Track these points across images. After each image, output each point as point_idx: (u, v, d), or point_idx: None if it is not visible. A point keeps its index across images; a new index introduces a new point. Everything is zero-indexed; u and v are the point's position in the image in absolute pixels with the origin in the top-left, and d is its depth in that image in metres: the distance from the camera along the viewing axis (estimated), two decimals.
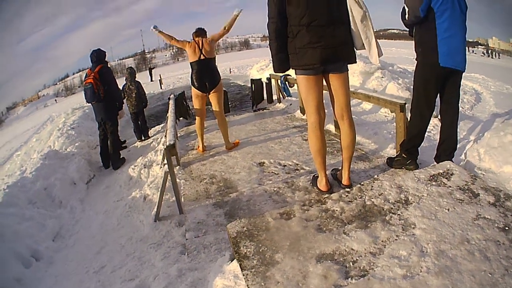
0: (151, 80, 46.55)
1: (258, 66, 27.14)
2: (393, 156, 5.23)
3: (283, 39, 4.26)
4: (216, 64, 7.51)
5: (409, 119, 5.18)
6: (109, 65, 10.50)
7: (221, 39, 7.83)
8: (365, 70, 12.94)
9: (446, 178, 4.03)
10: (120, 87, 10.71)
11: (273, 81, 13.23)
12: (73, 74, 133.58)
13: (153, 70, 51.20)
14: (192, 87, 7.51)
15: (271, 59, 4.46)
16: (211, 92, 7.47)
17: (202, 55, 7.24)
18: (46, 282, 5.18)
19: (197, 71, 7.32)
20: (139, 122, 12.05)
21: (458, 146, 5.00)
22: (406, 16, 4.80)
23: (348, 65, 4.32)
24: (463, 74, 4.80)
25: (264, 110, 12.39)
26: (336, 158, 6.14)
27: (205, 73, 7.31)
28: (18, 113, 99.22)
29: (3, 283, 4.83)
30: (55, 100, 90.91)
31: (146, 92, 12.86)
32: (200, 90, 7.41)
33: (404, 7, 4.80)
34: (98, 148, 10.46)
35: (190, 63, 7.39)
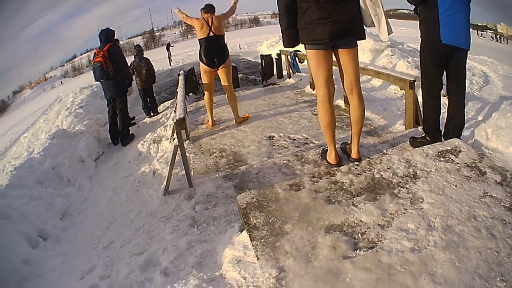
0: (170, 62, 39.11)
1: (268, 42, 27.16)
2: (417, 136, 5.23)
3: (293, 15, 4.28)
4: (225, 40, 7.50)
5: (421, 99, 5.19)
6: (119, 44, 10.56)
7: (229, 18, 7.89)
8: (375, 47, 12.95)
9: (454, 155, 4.05)
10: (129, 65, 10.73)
11: (283, 56, 13.28)
12: (81, 54, 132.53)
13: (171, 48, 43.52)
14: (201, 62, 7.54)
15: (281, 34, 4.49)
16: (219, 68, 7.50)
17: (211, 32, 7.26)
18: (54, 260, 5.23)
19: (205, 47, 7.34)
20: (148, 99, 12.13)
21: (466, 125, 5.02)
22: None
23: (358, 41, 4.33)
24: (472, 55, 4.82)
25: (274, 85, 12.41)
26: (345, 132, 6.18)
27: (214, 50, 7.34)
28: (25, 96, 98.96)
29: (10, 266, 4.85)
30: (61, 82, 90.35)
31: (155, 69, 12.94)
32: (208, 65, 7.45)
33: None
34: (107, 126, 10.49)
35: (199, 39, 7.40)
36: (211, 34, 7.27)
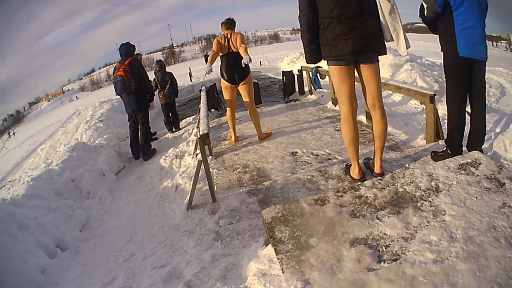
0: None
1: (289, 58, 27.03)
2: (437, 151, 5.26)
3: (315, 30, 4.32)
4: None
5: (445, 113, 5.22)
6: (141, 58, 10.70)
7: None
8: (394, 62, 12.90)
9: (474, 167, 4.08)
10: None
11: (304, 73, 13.23)
12: (99, 68, 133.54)
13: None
14: (222, 79, 7.56)
15: (303, 50, 4.53)
16: (240, 84, 7.51)
17: (230, 49, 7.28)
18: (72, 271, 5.25)
19: (226, 63, 7.38)
20: (171, 114, 12.10)
21: (485, 137, 5.06)
22: (425, 12, 4.90)
23: (379, 57, 4.37)
24: (487, 67, 4.86)
25: (296, 102, 12.43)
26: (368, 148, 6.20)
27: (235, 66, 7.32)
28: (41, 108, 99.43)
29: (25, 274, 4.87)
30: (76, 97, 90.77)
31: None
32: (229, 82, 7.48)
33: (422, 4, 4.89)
34: (127, 140, 10.52)
35: (220, 56, 7.42)
36: (231, 50, 7.29)
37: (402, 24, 4.17)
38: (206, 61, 7.27)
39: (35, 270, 5.04)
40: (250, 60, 6.92)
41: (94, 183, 8.22)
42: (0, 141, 11.53)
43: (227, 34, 7.37)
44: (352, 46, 4.09)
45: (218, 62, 7.50)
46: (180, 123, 12.56)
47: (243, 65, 7.03)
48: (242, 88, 7.60)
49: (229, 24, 7.50)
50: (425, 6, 4.84)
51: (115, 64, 9.68)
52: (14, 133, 60.67)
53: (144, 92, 9.63)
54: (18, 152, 25.91)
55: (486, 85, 5.03)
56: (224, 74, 7.47)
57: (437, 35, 5.02)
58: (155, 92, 11.06)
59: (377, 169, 4.58)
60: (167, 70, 12.17)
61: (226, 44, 7.32)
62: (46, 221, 6.11)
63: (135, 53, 9.89)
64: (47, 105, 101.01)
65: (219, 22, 7.53)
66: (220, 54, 7.41)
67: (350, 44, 4.09)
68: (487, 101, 5.42)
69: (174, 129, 12.08)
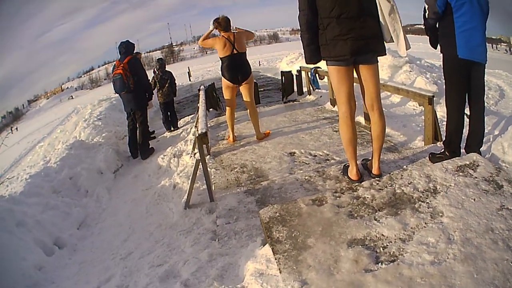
0: None
1: (288, 59, 26.99)
2: (436, 152, 5.26)
3: (314, 30, 4.32)
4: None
5: (445, 115, 5.23)
6: (141, 57, 10.70)
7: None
8: (393, 64, 12.88)
9: (472, 169, 4.09)
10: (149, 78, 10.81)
11: (303, 73, 13.21)
12: (98, 67, 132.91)
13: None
14: (223, 78, 7.56)
15: (303, 50, 4.53)
16: (242, 84, 7.53)
17: (234, 50, 7.27)
18: (70, 269, 5.26)
19: (229, 64, 7.36)
20: (169, 113, 12.08)
21: (483, 140, 5.07)
22: (427, 14, 4.91)
23: (378, 57, 4.37)
24: (487, 70, 4.87)
25: (294, 102, 12.40)
26: (366, 149, 6.18)
27: (238, 67, 7.36)
28: (40, 106, 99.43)
29: (23, 270, 4.87)
30: (71, 96, 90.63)
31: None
32: (232, 82, 7.48)
33: (424, 7, 4.90)
34: (126, 139, 10.50)
35: (222, 57, 7.40)
36: (235, 51, 7.29)
37: (402, 25, 4.16)
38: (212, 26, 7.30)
39: (32, 267, 5.03)
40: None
41: (92, 181, 8.24)
42: None
43: (228, 36, 7.33)
44: (351, 47, 4.09)
45: (216, 60, 7.50)
46: (178, 122, 12.53)
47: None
48: (243, 88, 7.61)
49: (226, 26, 7.46)
50: (426, 7, 4.85)
51: (115, 62, 9.67)
52: (16, 128, 60.70)
53: (143, 91, 9.63)
54: (17, 150, 25.93)
55: (486, 88, 5.04)
56: (227, 74, 7.44)
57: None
58: (153, 91, 11.05)
59: (375, 170, 4.58)
60: (166, 69, 12.12)
61: (228, 45, 7.29)
62: (44, 218, 6.12)
63: (135, 51, 9.87)
64: (46, 102, 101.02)
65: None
66: (222, 55, 7.39)
67: (349, 45, 4.09)
68: (486, 104, 5.43)
69: (172, 128, 12.04)
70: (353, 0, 4.03)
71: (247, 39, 7.64)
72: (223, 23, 7.41)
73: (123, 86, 9.13)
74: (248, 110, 7.85)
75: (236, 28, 7.65)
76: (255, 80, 8.91)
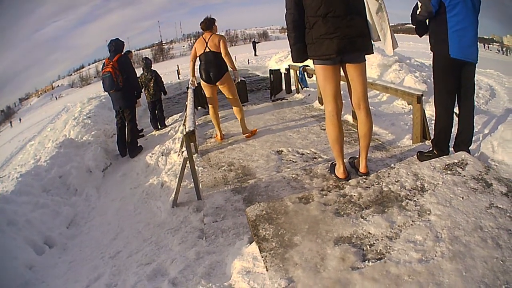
0: (255, 55, 49.57)
1: (277, 57, 26.99)
2: (424, 151, 5.25)
3: (301, 29, 4.31)
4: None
5: (434, 113, 5.22)
6: (132, 55, 10.69)
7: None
8: (383, 62, 12.92)
9: (461, 167, 4.09)
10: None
11: (291, 71, 13.26)
12: (89, 65, 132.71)
13: (257, 44, 53.10)
14: (200, 77, 7.64)
15: (290, 49, 4.51)
16: (218, 84, 7.55)
17: (207, 48, 7.33)
18: (60, 268, 5.24)
19: (202, 63, 7.46)
20: (156, 111, 12.10)
21: (473, 138, 5.06)
22: (418, 11, 4.88)
23: (366, 56, 4.35)
24: (479, 69, 4.88)
25: (283, 100, 12.46)
26: (353, 147, 6.20)
27: (210, 65, 7.39)
28: (31, 104, 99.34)
29: (13, 270, 4.87)
30: (55, 97, 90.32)
31: (164, 82, 12.90)
32: (206, 81, 7.54)
33: (417, 3, 4.88)
34: (115, 137, 10.46)
35: (198, 55, 7.51)
36: (207, 50, 7.35)
37: (391, 24, 4.16)
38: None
39: (23, 266, 5.04)
40: (237, 78, 7.40)
41: (81, 180, 8.23)
42: None
43: (205, 37, 7.43)
44: (338, 46, 4.07)
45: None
46: (166, 121, 12.58)
47: (236, 80, 7.26)
48: (221, 87, 7.65)
49: (206, 24, 7.51)
50: (419, 5, 4.83)
51: (104, 60, 9.64)
52: (20, 119, 60.67)
53: (131, 89, 9.61)
54: (8, 149, 25.89)
55: (476, 87, 5.04)
56: (202, 73, 7.53)
57: (426, 37, 5.02)
58: (141, 90, 11.04)
59: (362, 169, 4.56)
60: (152, 68, 12.13)
61: (203, 44, 7.39)
62: (34, 217, 6.11)
63: (126, 50, 9.85)
64: (37, 101, 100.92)
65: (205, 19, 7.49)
66: (197, 53, 7.49)
67: (335, 43, 4.07)
68: (476, 103, 5.44)
69: (159, 127, 12.09)
70: None
71: (222, 42, 7.50)
72: (204, 22, 7.50)
73: (112, 85, 9.10)
74: (233, 108, 7.93)
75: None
76: (243, 78, 8.88)
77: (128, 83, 9.34)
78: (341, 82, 4.41)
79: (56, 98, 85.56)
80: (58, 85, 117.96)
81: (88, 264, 5.13)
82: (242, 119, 7.85)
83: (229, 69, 7.59)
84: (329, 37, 4.07)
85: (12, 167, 10.45)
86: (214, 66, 7.38)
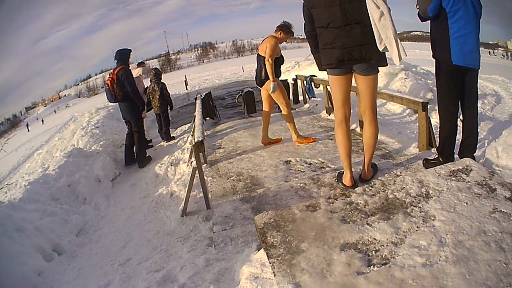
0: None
1: (284, 67, 26.87)
2: (429, 158, 5.28)
3: (316, 40, 4.43)
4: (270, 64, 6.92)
5: (438, 121, 5.25)
6: (144, 66, 10.78)
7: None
8: (389, 71, 12.84)
9: (465, 174, 4.12)
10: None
11: (299, 81, 13.21)
12: (96, 75, 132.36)
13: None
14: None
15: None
16: (262, 88, 7.47)
17: (257, 52, 7.30)
18: (69, 274, 5.30)
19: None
20: (162, 124, 11.96)
21: (477, 145, 5.09)
22: (417, 12, 4.95)
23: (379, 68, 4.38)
24: (484, 75, 4.91)
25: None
26: (361, 157, 6.10)
27: (257, 69, 7.35)
28: (38, 113, 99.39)
29: (23, 275, 4.92)
30: (56, 109, 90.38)
31: (171, 93, 12.83)
32: (256, 83, 7.58)
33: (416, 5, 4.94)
34: (123, 147, 10.49)
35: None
36: (258, 52, 7.28)
37: (397, 32, 4.02)
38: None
39: (32, 272, 5.09)
40: (274, 89, 7.09)
41: (90, 189, 8.25)
42: None
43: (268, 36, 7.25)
44: (337, 56, 4.15)
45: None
46: (174, 132, 12.46)
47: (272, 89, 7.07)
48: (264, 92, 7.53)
49: (278, 28, 7.21)
50: (416, 7, 4.88)
51: (111, 70, 9.67)
52: (42, 120, 60.62)
53: (133, 101, 9.55)
54: (15, 157, 25.95)
55: (481, 93, 5.08)
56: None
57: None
58: (146, 102, 11.03)
59: (363, 175, 4.62)
60: (161, 81, 11.92)
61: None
62: (42, 225, 6.15)
63: (139, 61, 9.91)
64: (44, 110, 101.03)
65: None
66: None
67: (335, 53, 4.15)
68: (482, 109, 5.47)
69: (164, 139, 11.88)
70: (338, 9, 4.06)
71: (268, 49, 7.08)
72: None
73: (111, 97, 9.25)
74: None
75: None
76: (250, 89, 8.82)
77: (127, 96, 9.35)
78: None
79: (55, 110, 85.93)
80: (65, 95, 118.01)
81: (98, 271, 5.19)
82: (293, 127, 7.72)
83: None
84: (330, 47, 4.18)
85: (20, 175, 10.51)
86: (258, 70, 7.36)
